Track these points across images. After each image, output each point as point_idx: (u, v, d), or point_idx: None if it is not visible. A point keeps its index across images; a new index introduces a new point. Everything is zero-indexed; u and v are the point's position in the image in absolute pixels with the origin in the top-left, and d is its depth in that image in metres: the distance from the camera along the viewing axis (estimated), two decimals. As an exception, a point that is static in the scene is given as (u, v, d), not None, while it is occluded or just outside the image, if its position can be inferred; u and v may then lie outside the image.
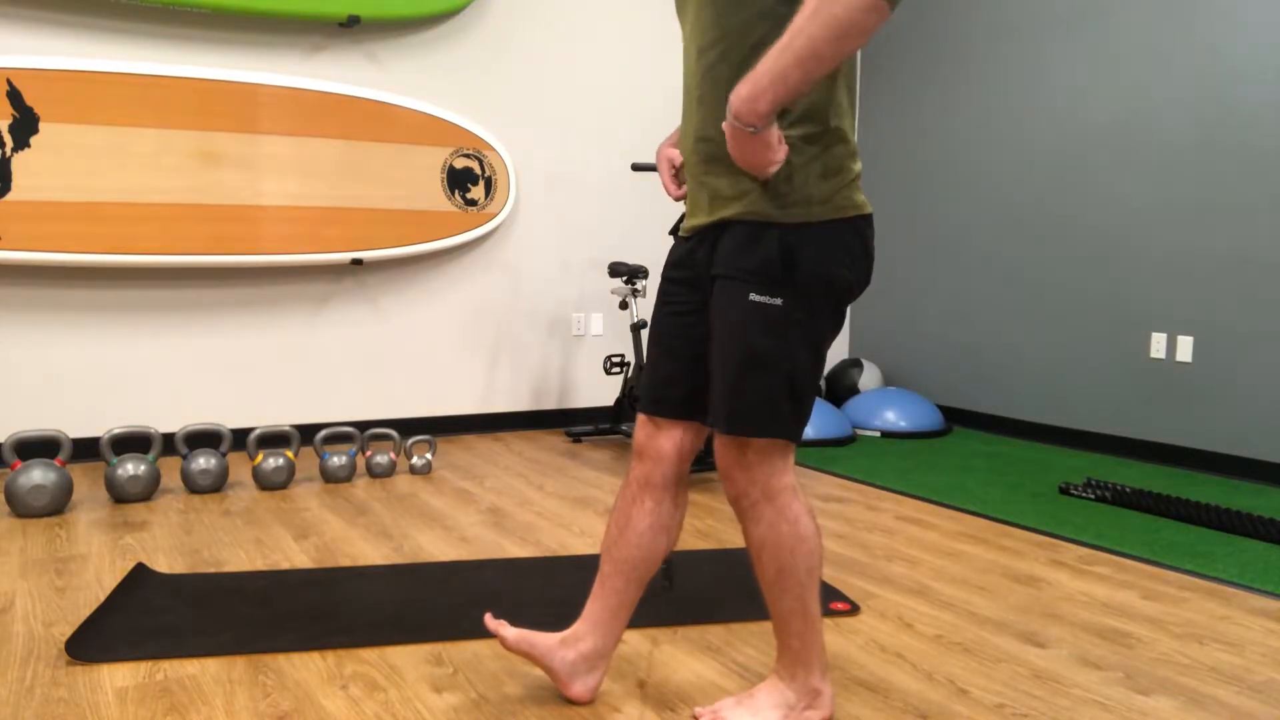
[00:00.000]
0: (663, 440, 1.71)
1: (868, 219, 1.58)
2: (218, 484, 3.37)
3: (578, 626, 1.79)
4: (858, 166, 1.57)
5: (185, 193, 3.76)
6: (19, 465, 3.04)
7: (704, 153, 1.60)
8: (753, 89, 1.36)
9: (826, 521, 3.13)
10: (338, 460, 3.54)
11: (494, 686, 1.88)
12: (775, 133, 1.43)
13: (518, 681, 1.90)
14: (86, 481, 3.50)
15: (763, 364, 1.55)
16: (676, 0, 1.69)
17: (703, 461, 3.70)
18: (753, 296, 1.53)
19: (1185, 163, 4.02)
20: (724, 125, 1.43)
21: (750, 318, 1.54)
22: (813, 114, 1.52)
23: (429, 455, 3.73)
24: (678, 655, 2.05)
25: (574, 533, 2.97)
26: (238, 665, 1.96)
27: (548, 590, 2.41)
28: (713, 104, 1.56)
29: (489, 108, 4.48)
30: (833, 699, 1.75)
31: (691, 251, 1.68)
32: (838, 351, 5.68)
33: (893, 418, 4.68)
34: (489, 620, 1.78)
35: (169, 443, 3.89)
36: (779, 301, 1.53)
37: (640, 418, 1.75)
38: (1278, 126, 3.72)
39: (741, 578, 2.51)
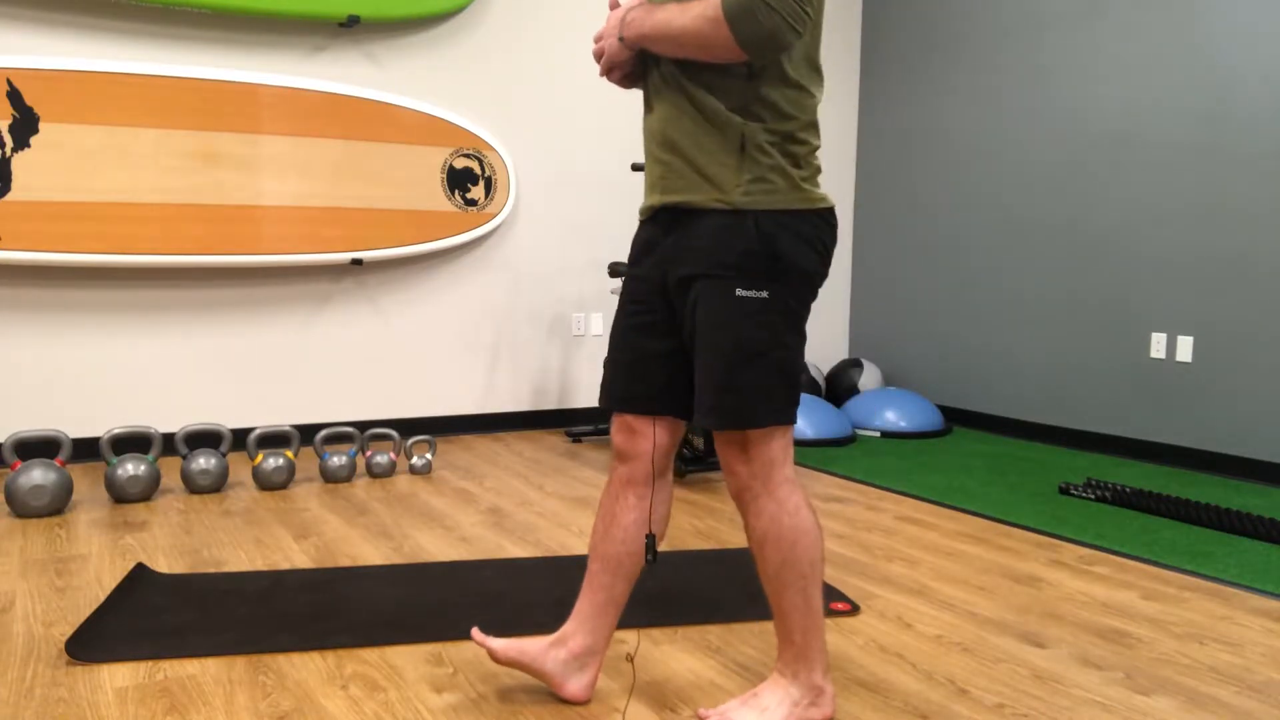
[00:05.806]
0: (640, 440, 1.73)
1: (832, 212, 1.64)
2: (218, 484, 3.37)
3: (567, 626, 1.80)
4: (818, 162, 1.64)
5: (185, 193, 3.76)
6: (19, 465, 3.04)
7: (662, 136, 1.64)
8: (639, 28, 1.59)
9: (827, 521, 3.13)
10: (338, 460, 3.54)
11: (494, 686, 1.88)
12: (630, 57, 1.66)
13: (518, 681, 1.90)
14: (86, 481, 3.50)
15: (754, 356, 1.57)
16: None
17: (703, 461, 3.70)
18: (739, 291, 1.56)
19: (1185, 163, 4.02)
20: (609, 31, 1.65)
21: (738, 312, 1.57)
22: (778, 112, 1.57)
23: (429, 455, 3.73)
24: (678, 655, 2.05)
25: (574, 533, 2.97)
26: (238, 665, 1.96)
27: (548, 590, 2.41)
28: (670, 101, 1.63)
29: (489, 108, 4.48)
30: (834, 698, 1.75)
31: (654, 242, 1.69)
32: (837, 351, 5.68)
33: (893, 418, 4.68)
34: (476, 634, 1.77)
35: (169, 443, 3.89)
36: (765, 294, 1.56)
37: (615, 419, 1.75)
38: (1277, 127, 3.72)
39: (742, 578, 2.51)
